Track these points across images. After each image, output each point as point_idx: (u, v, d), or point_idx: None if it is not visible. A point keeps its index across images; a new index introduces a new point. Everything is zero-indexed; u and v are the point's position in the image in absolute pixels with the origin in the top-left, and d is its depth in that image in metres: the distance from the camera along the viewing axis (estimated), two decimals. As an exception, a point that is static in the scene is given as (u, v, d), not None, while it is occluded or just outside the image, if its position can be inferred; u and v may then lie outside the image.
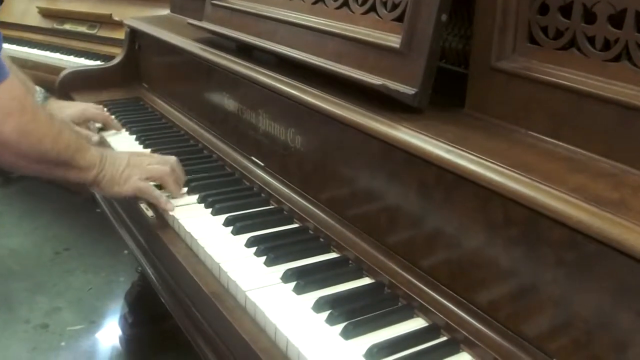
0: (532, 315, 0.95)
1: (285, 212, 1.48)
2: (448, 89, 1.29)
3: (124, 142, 1.96)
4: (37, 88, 1.92)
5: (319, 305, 1.12)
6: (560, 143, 1.08)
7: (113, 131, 2.04)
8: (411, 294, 1.13)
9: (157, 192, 1.51)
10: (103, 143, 1.94)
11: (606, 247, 0.82)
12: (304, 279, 1.19)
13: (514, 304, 0.98)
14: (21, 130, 1.27)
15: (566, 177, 0.95)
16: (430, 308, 1.10)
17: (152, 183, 1.52)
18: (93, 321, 2.89)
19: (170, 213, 1.48)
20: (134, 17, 2.51)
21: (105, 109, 2.18)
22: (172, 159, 1.59)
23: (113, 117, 2.12)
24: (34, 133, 1.30)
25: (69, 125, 1.93)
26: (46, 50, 3.59)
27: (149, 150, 1.88)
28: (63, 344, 2.74)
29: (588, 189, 0.91)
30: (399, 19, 1.30)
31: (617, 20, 1.03)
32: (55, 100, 1.99)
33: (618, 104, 0.99)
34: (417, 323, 1.10)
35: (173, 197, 1.54)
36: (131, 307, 2.59)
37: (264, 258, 1.27)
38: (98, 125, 2.04)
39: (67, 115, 1.92)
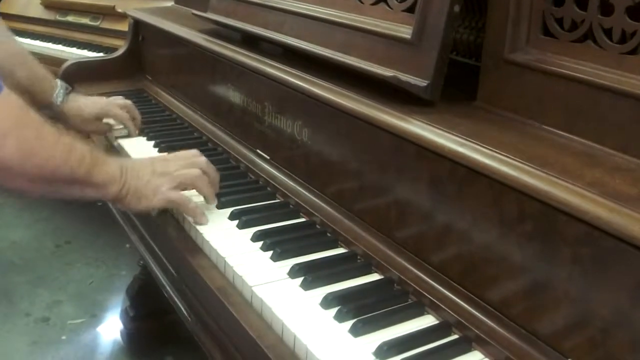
0: (547, 313, 0.93)
1: (291, 206, 1.46)
2: (459, 82, 1.27)
3: (134, 142, 1.92)
4: (59, 82, 1.87)
5: (327, 302, 1.10)
6: (575, 137, 1.06)
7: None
8: (421, 290, 1.11)
9: (193, 203, 1.37)
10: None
11: (625, 244, 0.80)
12: (311, 275, 1.17)
13: (528, 302, 0.96)
14: (24, 150, 1.14)
15: (582, 172, 0.93)
16: (441, 305, 1.07)
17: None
18: (94, 315, 2.88)
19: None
20: (138, 8, 2.49)
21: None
22: (202, 160, 1.42)
23: (136, 119, 1.95)
24: (39, 151, 1.17)
25: (86, 125, 1.89)
26: (49, 42, 3.58)
27: (151, 143, 1.86)
28: (64, 337, 2.73)
29: (605, 184, 0.89)
30: (410, 9, 1.27)
31: (635, 12, 1.00)
32: (76, 97, 1.89)
33: (635, 98, 0.97)
34: (427, 320, 1.08)
35: (208, 202, 1.42)
36: (133, 301, 2.57)
37: (270, 253, 1.25)
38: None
39: (87, 117, 1.87)
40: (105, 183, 1.29)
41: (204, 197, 1.41)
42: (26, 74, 1.79)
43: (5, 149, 1.11)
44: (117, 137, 1.90)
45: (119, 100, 1.95)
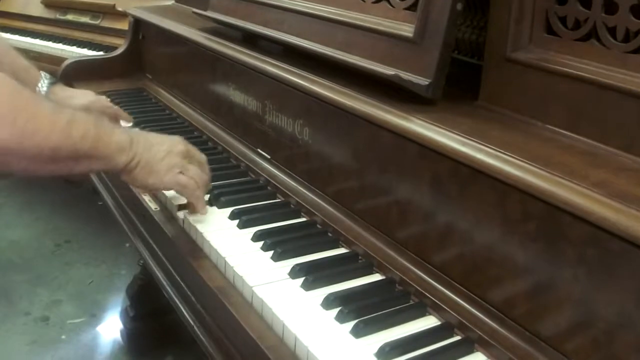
0: (550, 314, 0.92)
1: (292, 206, 1.45)
2: (461, 81, 1.26)
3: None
4: (42, 74, 1.86)
5: (328, 302, 1.08)
6: (579, 137, 1.05)
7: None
8: (423, 291, 1.10)
9: (200, 191, 1.35)
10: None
11: (631, 245, 0.80)
12: (312, 275, 1.16)
13: (531, 303, 0.95)
14: (20, 133, 1.09)
15: (587, 172, 0.92)
16: (443, 306, 1.07)
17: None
18: (94, 314, 2.86)
19: (174, 202, 1.42)
20: (138, 7, 2.48)
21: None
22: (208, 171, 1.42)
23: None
24: (37, 131, 1.11)
25: (83, 109, 1.88)
26: (49, 40, 3.56)
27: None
28: (63, 337, 2.72)
29: (610, 185, 0.88)
30: (412, 7, 1.26)
31: (639, 10, 0.99)
32: (61, 87, 1.86)
33: (639, 97, 0.96)
34: (429, 321, 1.07)
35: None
36: (132, 301, 2.56)
37: (271, 253, 1.24)
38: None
39: (74, 105, 1.85)
40: (113, 154, 1.24)
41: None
42: (9, 65, 1.77)
43: (1, 131, 1.07)
44: None
45: (102, 101, 1.94)
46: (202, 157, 1.42)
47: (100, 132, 1.22)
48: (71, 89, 1.93)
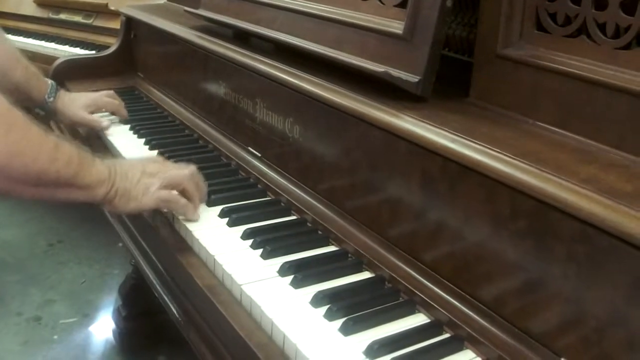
0: (540, 311, 0.91)
1: (282, 204, 1.45)
2: (452, 78, 1.26)
3: (117, 132, 1.92)
4: (49, 81, 1.89)
5: (317, 300, 1.08)
6: (569, 133, 1.05)
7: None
8: (413, 288, 1.10)
9: (183, 200, 1.35)
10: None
11: (620, 241, 0.79)
12: (301, 273, 1.15)
13: (521, 300, 0.94)
14: (9, 152, 1.10)
15: (576, 168, 0.91)
16: (433, 304, 1.06)
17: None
18: (86, 314, 2.86)
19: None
20: (130, 6, 2.47)
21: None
22: (192, 167, 1.40)
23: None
24: (26, 152, 1.13)
25: (76, 121, 1.93)
26: (41, 40, 3.56)
27: (142, 140, 1.84)
28: (56, 337, 2.71)
29: (600, 181, 0.87)
30: (402, 4, 1.26)
31: (629, 6, 0.99)
32: (64, 92, 1.94)
33: (629, 93, 0.96)
34: (419, 319, 1.07)
35: (194, 205, 1.37)
36: (125, 300, 2.56)
37: (260, 251, 1.24)
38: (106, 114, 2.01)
39: (78, 106, 1.90)
40: (93, 185, 1.25)
41: (190, 198, 1.37)
42: (23, 73, 1.81)
43: None
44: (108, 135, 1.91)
45: (105, 92, 2.03)
46: (189, 165, 1.41)
47: (83, 161, 1.24)
48: (72, 93, 1.99)
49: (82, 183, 1.23)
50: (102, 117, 1.96)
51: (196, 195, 1.38)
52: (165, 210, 1.39)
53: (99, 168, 1.27)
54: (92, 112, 1.93)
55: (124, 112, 2.01)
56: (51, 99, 1.87)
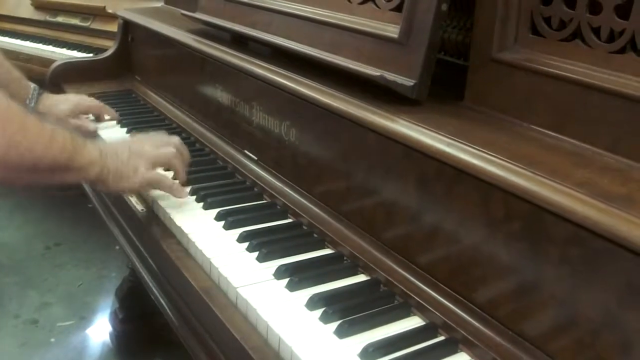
0: (534, 314, 0.92)
1: (278, 207, 1.45)
2: (447, 81, 1.26)
3: (115, 135, 1.92)
4: (32, 85, 1.89)
5: (312, 303, 1.08)
6: (564, 137, 1.05)
7: (104, 124, 2.00)
8: (408, 291, 1.10)
9: (170, 180, 1.43)
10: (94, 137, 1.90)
11: (614, 245, 0.79)
12: (297, 276, 1.15)
13: (515, 303, 0.94)
14: (7, 145, 1.13)
15: (571, 172, 0.91)
16: (428, 306, 1.06)
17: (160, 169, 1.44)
18: (83, 317, 2.85)
19: (160, 203, 1.44)
20: (127, 9, 2.47)
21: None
22: (175, 138, 1.49)
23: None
24: (23, 143, 1.16)
25: (62, 123, 1.92)
26: (39, 42, 3.55)
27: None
28: (53, 339, 2.71)
29: (594, 184, 0.88)
30: (398, 8, 1.26)
31: (623, 10, 0.99)
32: (48, 96, 1.94)
33: (624, 97, 0.96)
34: (414, 322, 1.07)
35: (180, 181, 1.46)
36: (122, 303, 2.56)
37: (256, 254, 1.24)
38: (91, 118, 2.01)
39: (60, 110, 1.90)
40: (86, 166, 1.30)
41: (177, 176, 1.45)
42: (4, 75, 1.80)
43: None
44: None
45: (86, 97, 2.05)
46: (173, 137, 1.49)
47: (76, 145, 1.28)
48: (55, 96, 1.98)
49: (76, 165, 1.28)
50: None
51: (182, 171, 1.45)
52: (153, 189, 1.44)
53: (90, 149, 1.31)
54: (77, 117, 1.94)
55: (112, 112, 2.02)
56: (32, 104, 1.86)
